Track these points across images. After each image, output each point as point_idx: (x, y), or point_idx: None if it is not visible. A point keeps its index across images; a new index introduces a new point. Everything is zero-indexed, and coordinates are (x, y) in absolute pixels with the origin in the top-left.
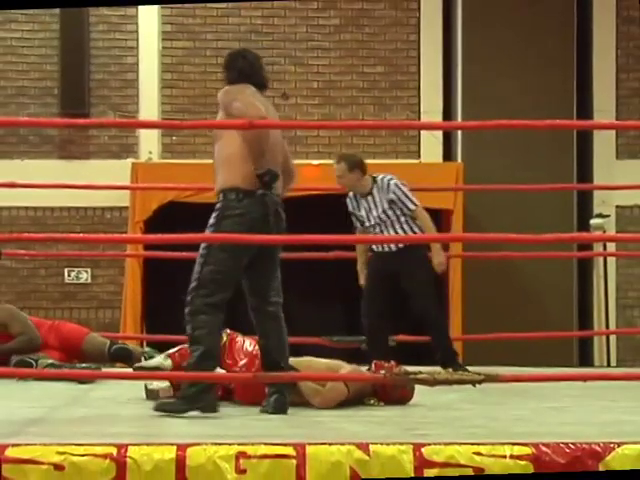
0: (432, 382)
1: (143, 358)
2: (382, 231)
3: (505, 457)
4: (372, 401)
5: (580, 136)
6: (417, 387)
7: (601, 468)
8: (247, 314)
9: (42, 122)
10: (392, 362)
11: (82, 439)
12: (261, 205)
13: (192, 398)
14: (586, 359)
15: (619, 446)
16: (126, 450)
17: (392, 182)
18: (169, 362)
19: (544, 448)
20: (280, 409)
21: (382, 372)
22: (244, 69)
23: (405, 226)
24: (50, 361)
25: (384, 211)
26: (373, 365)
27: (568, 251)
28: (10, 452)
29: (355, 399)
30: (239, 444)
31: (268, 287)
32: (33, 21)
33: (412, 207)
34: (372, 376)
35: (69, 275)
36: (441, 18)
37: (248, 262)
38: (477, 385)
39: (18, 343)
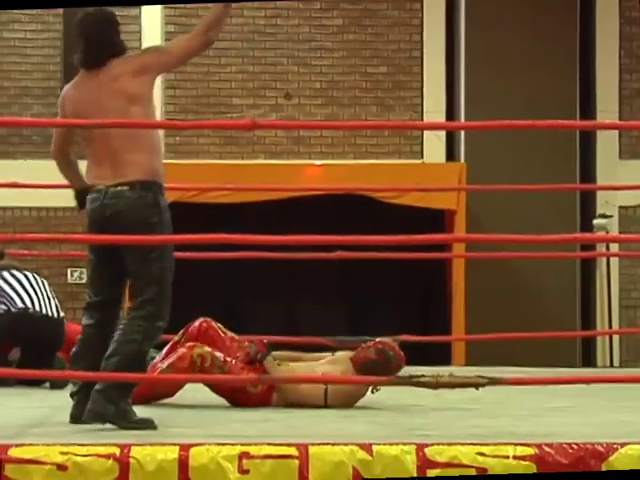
0: (434, 385)
1: None
2: None
3: (508, 457)
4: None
5: (583, 136)
6: (420, 388)
7: (604, 468)
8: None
9: (45, 122)
10: None
11: (85, 439)
12: None
13: None
14: (589, 359)
15: (622, 446)
16: (129, 450)
17: None
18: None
19: (547, 448)
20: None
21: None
22: None
23: None
24: None
25: None
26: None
27: (571, 251)
28: (13, 452)
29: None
30: (242, 444)
31: None
32: (36, 21)
33: None
34: (375, 378)
35: (72, 275)
36: (444, 18)
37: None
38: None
39: None
